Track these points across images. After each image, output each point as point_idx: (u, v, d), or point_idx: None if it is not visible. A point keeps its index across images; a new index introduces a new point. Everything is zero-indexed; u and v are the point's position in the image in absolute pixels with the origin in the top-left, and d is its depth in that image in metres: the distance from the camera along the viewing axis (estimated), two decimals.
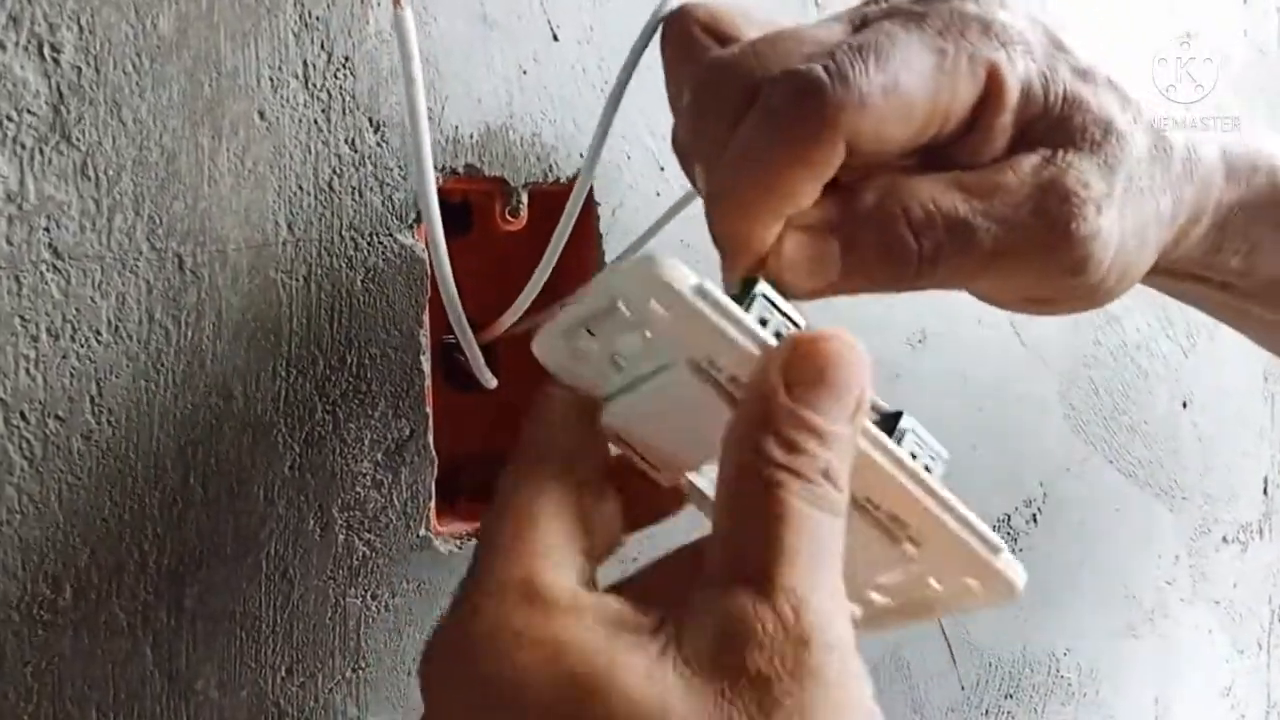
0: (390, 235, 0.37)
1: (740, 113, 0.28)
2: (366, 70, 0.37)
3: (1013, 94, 0.29)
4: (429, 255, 0.37)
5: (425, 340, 0.39)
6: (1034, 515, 0.54)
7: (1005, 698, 0.55)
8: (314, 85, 0.36)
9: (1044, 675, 0.56)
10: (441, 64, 0.38)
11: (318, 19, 0.36)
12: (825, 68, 0.26)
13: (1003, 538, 0.54)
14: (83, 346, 0.33)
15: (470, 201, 0.44)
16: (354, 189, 0.37)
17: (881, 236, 0.28)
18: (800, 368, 0.25)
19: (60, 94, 0.32)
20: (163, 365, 0.34)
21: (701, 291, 0.25)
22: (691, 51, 0.31)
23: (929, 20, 0.28)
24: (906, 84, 0.27)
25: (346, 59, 0.36)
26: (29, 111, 0.32)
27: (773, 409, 0.25)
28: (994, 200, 0.28)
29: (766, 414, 0.25)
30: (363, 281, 0.37)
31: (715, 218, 0.28)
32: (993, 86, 0.28)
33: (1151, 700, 0.60)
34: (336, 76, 0.36)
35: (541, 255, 0.39)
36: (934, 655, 0.53)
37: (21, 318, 0.32)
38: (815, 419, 0.25)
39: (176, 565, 0.35)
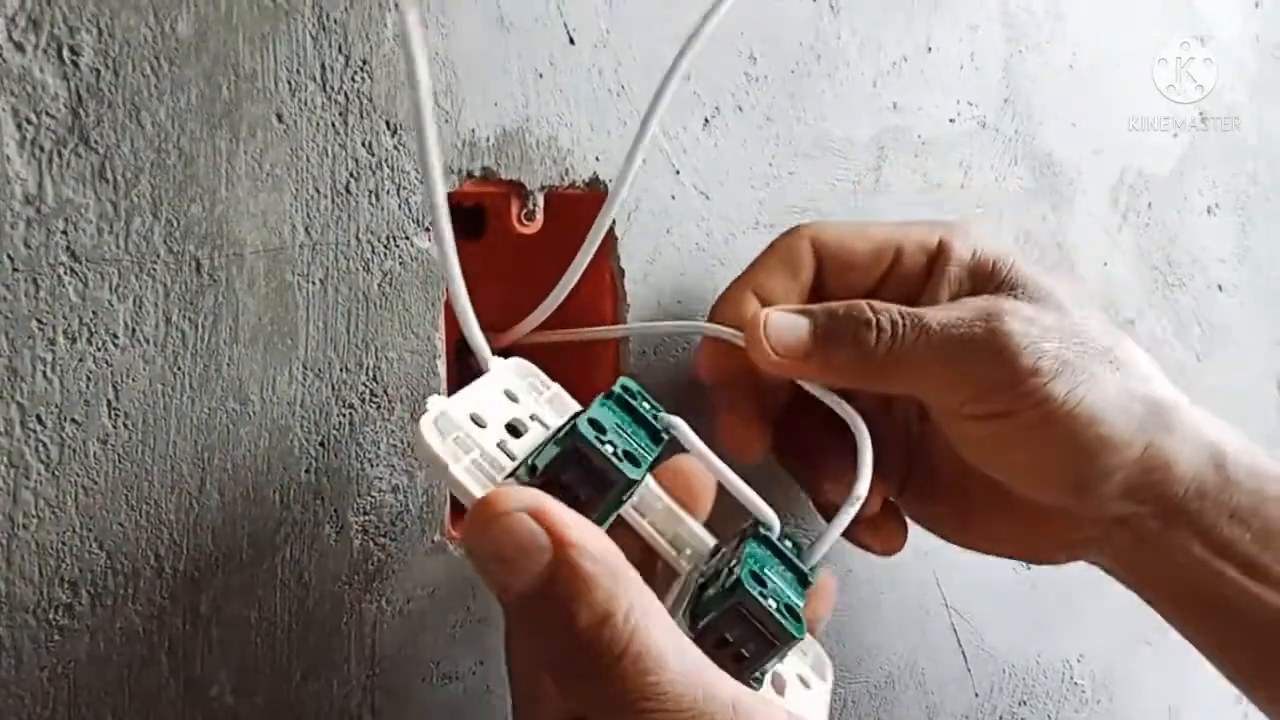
0: (407, 239, 0.37)
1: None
2: (384, 73, 0.36)
3: (960, 254, 0.39)
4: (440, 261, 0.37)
5: (441, 344, 0.38)
6: None
7: (1019, 704, 0.55)
8: (331, 88, 0.36)
9: (1057, 682, 0.56)
10: (459, 67, 0.38)
11: (336, 22, 0.36)
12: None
13: None
14: (100, 350, 0.33)
15: (485, 205, 0.44)
16: (371, 192, 0.37)
17: (847, 313, 0.37)
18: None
19: (79, 97, 0.32)
20: (180, 369, 0.34)
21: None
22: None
23: None
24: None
25: (364, 62, 0.36)
26: (48, 114, 0.32)
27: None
28: (944, 310, 0.37)
29: None
30: (379, 285, 0.37)
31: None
32: (942, 245, 0.40)
33: (1165, 708, 0.60)
34: (354, 79, 0.36)
35: (557, 259, 0.39)
36: (948, 662, 0.52)
37: (39, 320, 0.32)
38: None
39: (192, 570, 0.35)
